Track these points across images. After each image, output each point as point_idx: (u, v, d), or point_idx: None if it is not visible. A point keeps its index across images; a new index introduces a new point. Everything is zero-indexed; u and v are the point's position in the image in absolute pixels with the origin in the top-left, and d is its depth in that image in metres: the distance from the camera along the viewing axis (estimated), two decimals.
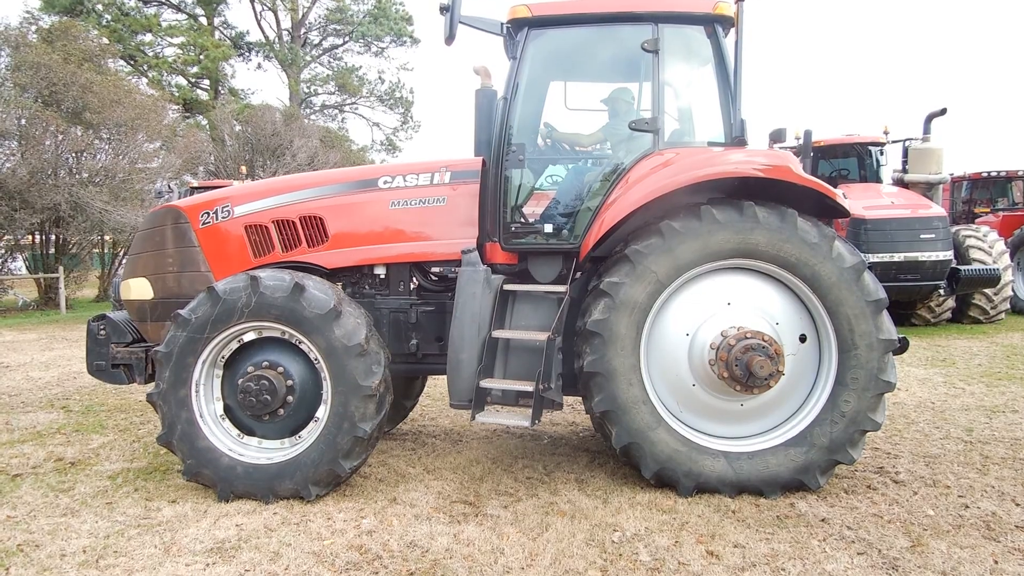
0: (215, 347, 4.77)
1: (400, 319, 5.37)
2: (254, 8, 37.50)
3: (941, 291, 12.33)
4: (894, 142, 14.87)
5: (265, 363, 4.76)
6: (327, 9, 38.45)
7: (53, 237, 21.92)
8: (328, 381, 4.64)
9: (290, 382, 4.73)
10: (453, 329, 4.85)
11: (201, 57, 34.11)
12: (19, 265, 24.39)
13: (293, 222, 5.36)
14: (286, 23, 38.30)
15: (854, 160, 15.02)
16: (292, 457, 4.68)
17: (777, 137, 5.37)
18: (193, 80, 36.16)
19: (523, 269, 5.26)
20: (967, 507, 4.48)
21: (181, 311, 4.76)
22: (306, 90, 39.07)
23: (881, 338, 4.55)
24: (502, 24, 5.27)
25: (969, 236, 13.72)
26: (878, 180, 14.64)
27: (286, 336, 4.78)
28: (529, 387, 4.66)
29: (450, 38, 4.94)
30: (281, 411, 4.74)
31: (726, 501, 4.56)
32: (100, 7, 32.70)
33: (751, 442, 4.72)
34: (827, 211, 5.02)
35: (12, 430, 6.76)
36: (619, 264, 4.64)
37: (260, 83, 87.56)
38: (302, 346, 4.75)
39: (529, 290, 5.06)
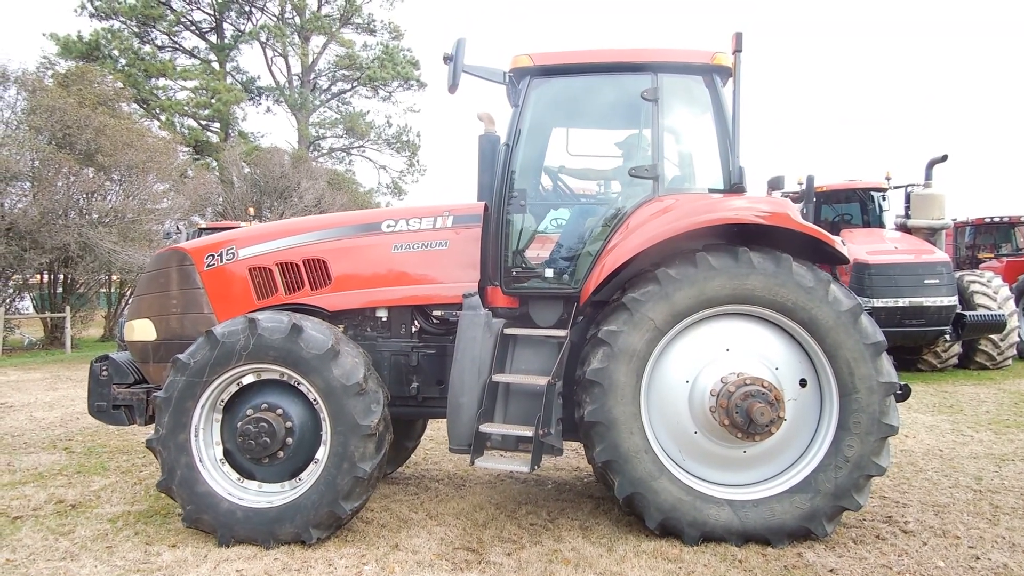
0: (214, 391, 4.77)
1: (401, 362, 5.38)
2: (265, 54, 38.46)
3: (947, 337, 12.29)
4: (896, 188, 14.99)
5: (264, 405, 4.74)
6: (336, 55, 39.32)
7: (61, 277, 22.10)
8: (327, 421, 4.63)
9: (289, 424, 4.71)
10: (453, 373, 4.84)
11: (213, 100, 34.78)
12: (26, 304, 24.54)
13: (297, 265, 5.41)
14: (296, 68, 39.20)
15: (856, 205, 15.14)
16: (292, 500, 4.64)
17: (775, 184, 5.45)
18: (204, 122, 36.81)
19: (524, 313, 5.29)
20: (978, 559, 4.42)
21: (180, 355, 4.77)
22: (315, 133, 39.72)
23: (882, 381, 4.53)
24: (504, 73, 5.39)
25: (973, 281, 13.72)
26: (881, 225, 14.72)
27: (285, 378, 4.79)
28: (529, 432, 4.63)
29: (453, 87, 5.04)
30: (281, 453, 4.71)
31: (732, 550, 4.50)
32: (116, 52, 33.49)
33: (755, 489, 4.68)
34: (826, 257, 5.05)
35: (14, 471, 6.73)
36: (617, 312, 4.65)
37: (270, 126, 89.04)
38: (301, 387, 4.76)
39: (530, 334, 5.07)
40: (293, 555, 4.50)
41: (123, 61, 33.73)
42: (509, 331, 5.03)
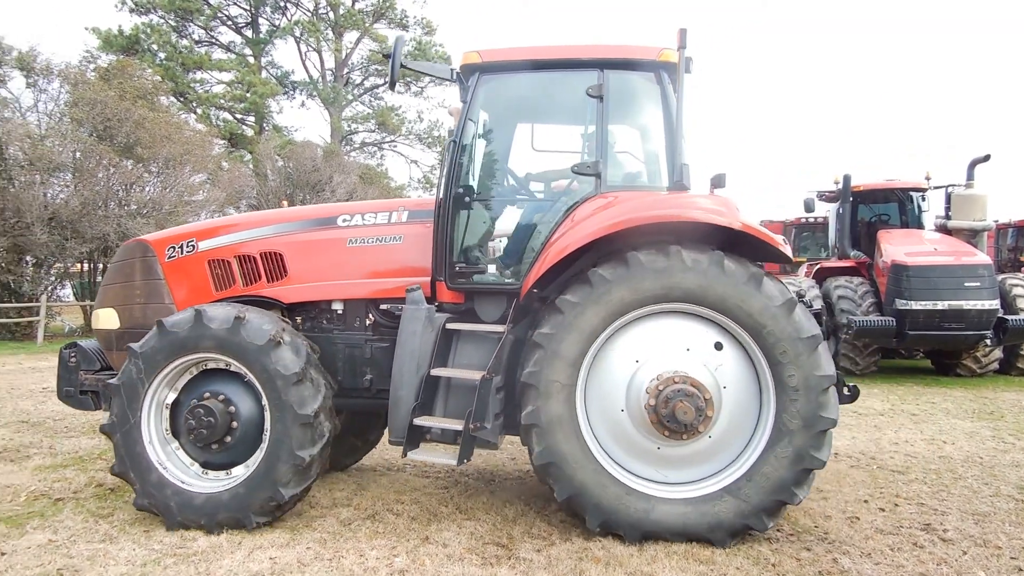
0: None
1: (356, 354, 5.42)
2: (299, 49, 38.83)
3: (987, 341, 12.01)
4: (936, 188, 14.68)
5: (207, 393, 4.87)
6: (369, 50, 39.59)
7: (100, 266, 22.58)
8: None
9: (232, 410, 4.84)
10: (394, 366, 4.90)
11: (248, 94, 35.24)
12: (67, 292, 25.14)
13: (254, 257, 5.52)
14: (330, 63, 39.52)
15: (895, 206, 14.85)
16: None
17: (718, 182, 5.36)
18: (239, 116, 37.31)
19: (471, 308, 5.30)
20: (1020, 569, 4.31)
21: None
22: (347, 128, 40.05)
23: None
24: (452, 70, 5.39)
25: (1016, 285, 13.37)
26: (920, 226, 14.43)
27: (232, 367, 4.89)
28: (460, 426, 4.65)
29: (392, 83, 5.07)
30: (227, 440, 4.85)
31: (766, 553, 4.44)
32: (155, 46, 34.08)
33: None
34: (772, 256, 4.97)
35: (55, 454, 6.90)
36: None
37: (303, 120, 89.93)
38: (248, 378, 4.85)
39: (472, 329, 5.07)
40: (326, 545, 4.55)
41: (162, 55, 34.33)
42: (451, 326, 5.04)
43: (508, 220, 5.59)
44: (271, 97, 36.81)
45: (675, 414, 4.42)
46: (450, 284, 5.21)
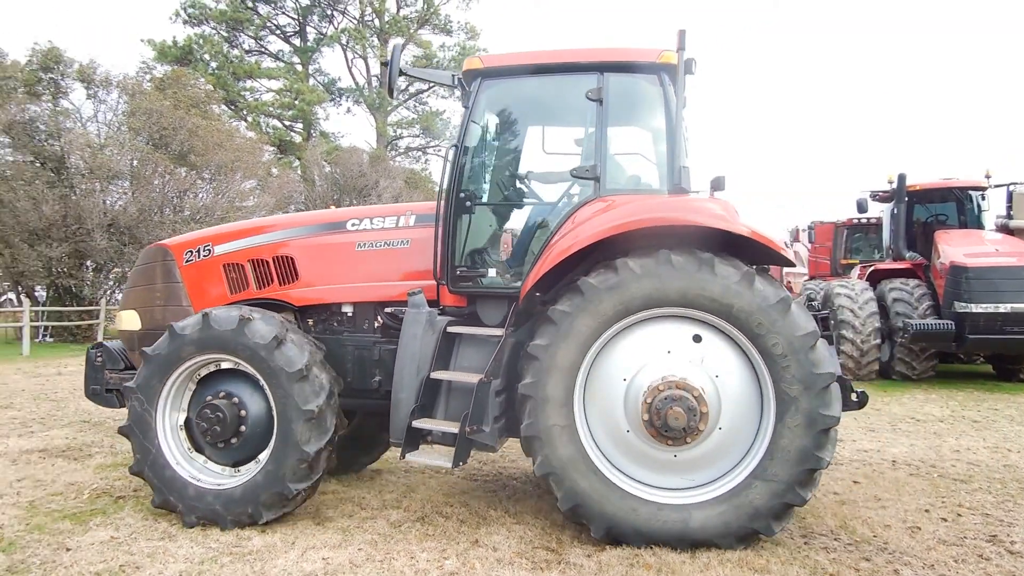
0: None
1: (364, 356, 5.48)
2: (346, 56, 39.49)
3: None
4: (997, 186, 14.18)
5: (221, 393, 5.01)
6: (414, 56, 40.00)
7: None
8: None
9: (243, 411, 4.98)
10: (395, 368, 4.97)
11: (296, 101, 35.96)
12: None
13: (267, 261, 5.66)
14: (375, 69, 40.05)
15: (952, 205, 14.39)
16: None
17: (717, 185, 5.27)
18: (288, 123, 38.09)
19: (473, 312, 5.31)
20: None
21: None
22: (392, 133, 40.53)
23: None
24: (453, 76, 5.44)
25: None
26: (980, 226, 13.96)
27: (240, 367, 5.02)
28: (456, 428, 4.65)
29: (390, 91, 5.13)
30: (235, 439, 4.98)
31: (823, 563, 4.33)
32: (207, 56, 35.04)
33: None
34: (774, 259, 4.85)
35: (116, 452, 7.12)
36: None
37: (350, 126, 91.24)
38: (257, 377, 4.99)
39: (472, 333, 5.08)
40: (376, 546, 4.59)
41: (213, 65, 35.28)
42: (452, 329, 5.06)
43: (508, 224, 5.61)
44: (318, 104, 37.51)
45: (666, 420, 4.39)
46: (452, 288, 5.24)
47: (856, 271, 16.02)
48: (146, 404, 5.03)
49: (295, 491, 4.83)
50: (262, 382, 4.93)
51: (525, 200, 5.74)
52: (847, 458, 7.19)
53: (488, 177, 5.69)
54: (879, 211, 16.23)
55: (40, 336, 20.89)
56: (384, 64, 5.15)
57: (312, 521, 5.08)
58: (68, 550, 4.48)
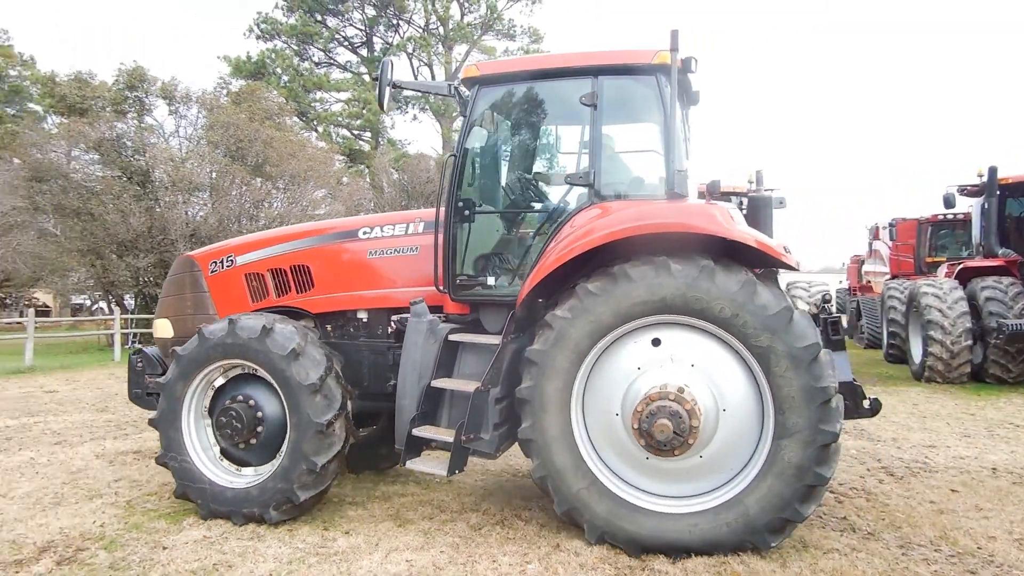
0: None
1: (379, 361, 5.59)
2: (411, 64, 40.10)
3: None
4: None
5: (240, 397, 5.21)
6: (478, 62, 40.31)
7: None
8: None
9: (259, 414, 5.16)
10: (399, 376, 5.06)
11: (364, 111, 36.75)
12: None
13: (285, 270, 5.86)
14: (440, 76, 40.53)
15: None
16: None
17: (712, 189, 5.05)
18: (356, 132, 38.97)
19: (476, 319, 5.33)
20: None
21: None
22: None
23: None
24: (450, 85, 5.51)
25: None
26: None
27: (260, 373, 5.19)
28: (450, 436, 4.69)
29: (381, 105, 5.16)
30: (253, 440, 5.18)
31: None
32: (279, 70, 36.21)
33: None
34: (776, 264, 4.70)
35: None
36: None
37: (416, 133, 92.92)
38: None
39: (473, 341, 5.09)
40: (459, 549, 4.61)
41: (285, 78, 36.42)
42: (454, 337, 5.08)
43: (507, 231, 5.60)
44: (385, 113, 38.24)
45: (651, 432, 4.33)
46: (453, 296, 5.28)
47: (943, 269, 15.26)
48: (173, 400, 5.31)
49: (302, 498, 4.98)
50: (278, 390, 5.10)
51: (523, 207, 5.71)
52: (943, 465, 6.84)
53: (487, 185, 5.69)
54: (967, 206, 15.43)
55: (129, 342, 21.92)
56: (374, 79, 5.21)
57: (394, 523, 5.15)
58: (164, 548, 4.65)
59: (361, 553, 4.57)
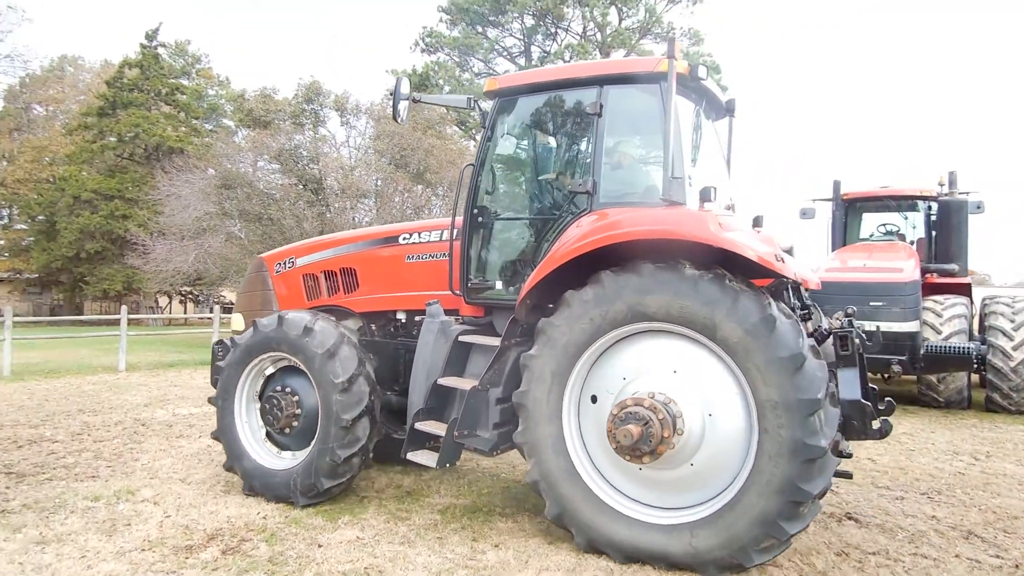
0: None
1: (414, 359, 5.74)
2: None
3: None
4: None
5: (284, 387, 5.64)
6: None
7: None
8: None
9: (298, 403, 5.56)
10: (412, 373, 5.38)
11: None
12: None
13: (335, 272, 6.35)
14: None
15: None
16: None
17: (706, 196, 4.64)
18: None
19: (490, 321, 5.53)
20: None
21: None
22: None
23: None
24: (469, 99, 5.85)
25: None
26: None
27: (301, 367, 5.53)
28: (442, 431, 4.95)
29: (396, 117, 5.45)
30: (290, 428, 5.58)
31: None
32: (442, 81, 37.56)
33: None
34: (767, 273, 4.51)
35: None
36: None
37: None
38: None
39: (479, 342, 5.33)
40: (612, 572, 4.29)
41: (447, 88, 37.68)
42: (464, 338, 5.35)
43: (515, 237, 5.69)
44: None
45: (616, 437, 4.32)
46: (468, 299, 5.53)
47: None
48: (229, 383, 5.83)
49: (327, 486, 5.35)
50: (313, 384, 5.42)
51: (530, 214, 5.73)
52: None
53: (500, 193, 5.86)
54: None
55: None
56: (391, 94, 5.47)
57: (544, 539, 4.92)
58: (320, 546, 4.71)
59: (510, 569, 4.39)
